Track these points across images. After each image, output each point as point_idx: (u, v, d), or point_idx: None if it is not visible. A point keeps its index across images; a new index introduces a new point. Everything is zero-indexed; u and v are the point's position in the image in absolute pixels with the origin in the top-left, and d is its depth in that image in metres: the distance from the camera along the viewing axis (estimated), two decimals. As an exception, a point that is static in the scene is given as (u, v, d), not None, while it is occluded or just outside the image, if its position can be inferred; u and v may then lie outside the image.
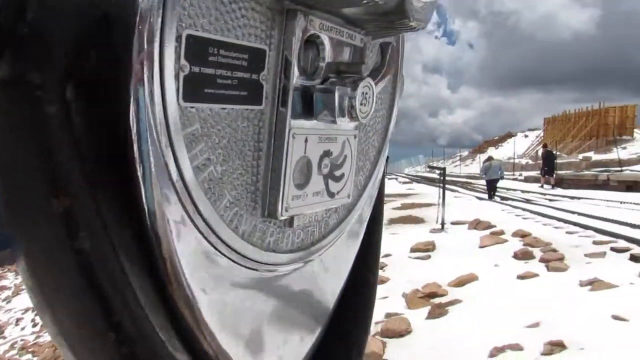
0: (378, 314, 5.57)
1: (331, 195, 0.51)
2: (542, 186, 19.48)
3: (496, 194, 15.54)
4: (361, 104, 0.46)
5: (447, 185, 20.17)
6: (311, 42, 0.48)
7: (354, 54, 0.53)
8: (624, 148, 25.79)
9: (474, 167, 34.65)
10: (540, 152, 20.38)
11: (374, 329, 5.10)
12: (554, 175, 19.55)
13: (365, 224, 0.60)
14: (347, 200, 0.54)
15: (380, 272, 7.36)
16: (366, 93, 0.46)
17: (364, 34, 0.53)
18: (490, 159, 16.81)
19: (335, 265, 0.58)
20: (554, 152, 26.38)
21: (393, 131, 0.61)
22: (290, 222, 0.50)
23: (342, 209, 0.55)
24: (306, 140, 0.48)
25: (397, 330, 4.88)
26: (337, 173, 0.51)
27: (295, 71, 0.46)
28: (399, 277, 6.97)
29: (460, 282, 6.15)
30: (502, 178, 16.24)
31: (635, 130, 32.03)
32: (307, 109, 0.48)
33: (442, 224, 9.73)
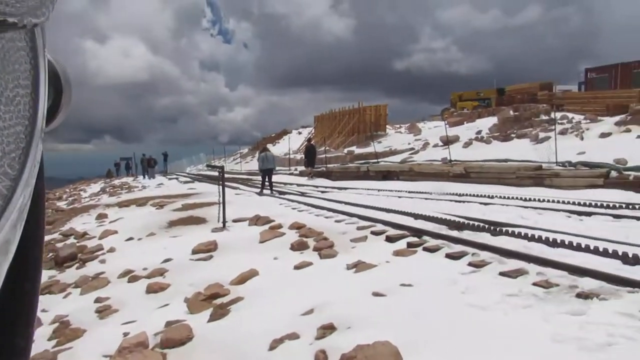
0: (157, 324, 5.27)
1: None
2: (309, 176, 21.44)
3: (274, 189, 16.19)
4: None
5: (228, 183, 20.38)
6: None
7: None
8: (380, 142, 29.59)
9: (254, 163, 35.66)
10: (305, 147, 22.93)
11: (152, 341, 4.80)
12: (313, 167, 22.58)
13: (1, 278, 0.43)
14: None
15: (161, 279, 7.05)
16: None
17: None
18: (265, 149, 17.53)
19: None
20: (325, 147, 28.87)
21: (41, 150, 0.46)
22: None
23: None
24: None
25: (178, 339, 4.67)
26: None
27: None
28: (180, 281, 6.73)
29: (242, 279, 6.21)
30: (274, 169, 17.10)
31: (387, 126, 37.02)
32: None
33: (224, 222, 9.74)
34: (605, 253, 5.30)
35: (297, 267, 6.40)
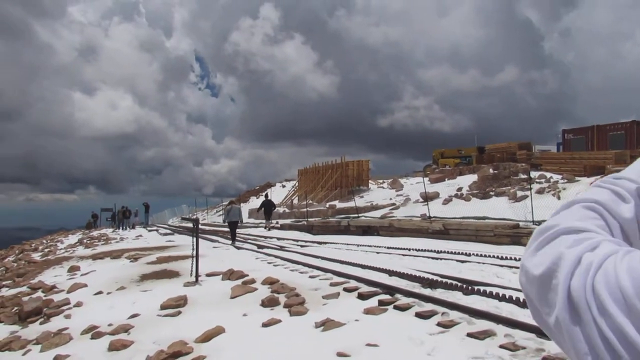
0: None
1: None
2: (265, 228, 24.33)
3: (255, 242, 16.27)
4: None
5: (208, 235, 20.14)
6: None
7: None
8: (362, 197, 29.67)
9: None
10: (294, 202, 23.52)
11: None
12: (270, 220, 25.04)
13: None
14: None
15: (125, 336, 6.79)
16: None
17: None
18: (231, 202, 18.37)
19: None
20: (307, 201, 28.88)
21: None
22: None
23: None
24: None
25: (133, 401, 4.46)
26: None
27: None
28: (144, 338, 6.49)
29: (207, 337, 6.01)
30: (241, 222, 18.35)
31: (370, 181, 37.27)
32: None
33: (197, 276, 9.54)
34: (574, 314, 5.24)
35: (265, 325, 6.22)
